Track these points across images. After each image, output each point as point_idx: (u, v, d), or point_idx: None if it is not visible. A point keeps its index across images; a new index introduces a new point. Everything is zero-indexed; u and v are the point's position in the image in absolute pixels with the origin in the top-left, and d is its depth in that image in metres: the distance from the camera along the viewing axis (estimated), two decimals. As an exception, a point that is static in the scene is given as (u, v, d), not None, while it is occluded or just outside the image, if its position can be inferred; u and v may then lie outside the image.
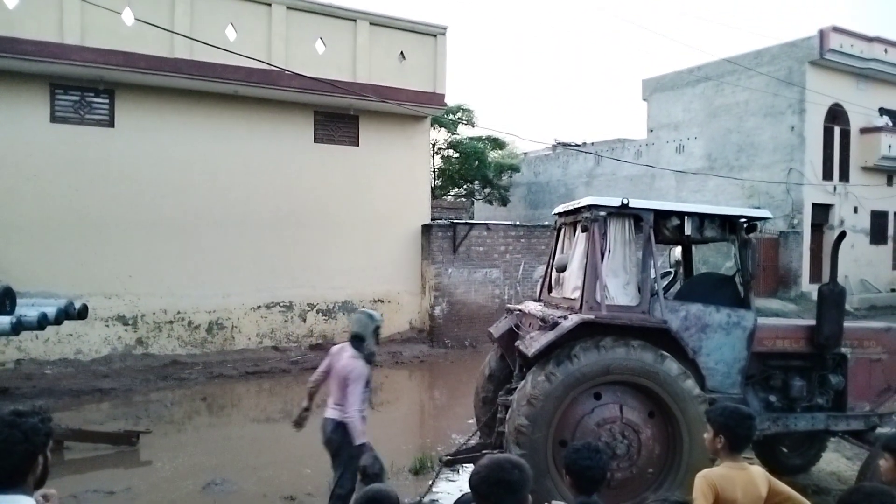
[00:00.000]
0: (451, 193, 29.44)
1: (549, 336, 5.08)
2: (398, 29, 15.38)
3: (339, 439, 5.22)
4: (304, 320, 14.89)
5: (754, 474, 3.35)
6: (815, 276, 22.96)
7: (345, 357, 5.38)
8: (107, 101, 12.95)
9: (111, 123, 12.98)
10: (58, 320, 8.55)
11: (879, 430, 5.88)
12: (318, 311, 15.04)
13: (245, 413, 10.87)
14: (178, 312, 13.50)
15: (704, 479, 3.27)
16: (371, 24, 14.93)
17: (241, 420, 10.42)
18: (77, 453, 7.96)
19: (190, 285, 13.56)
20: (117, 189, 12.91)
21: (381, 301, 15.80)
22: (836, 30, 22.94)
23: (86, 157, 12.66)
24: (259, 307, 14.36)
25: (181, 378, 12.13)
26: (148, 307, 13.21)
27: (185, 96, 13.51)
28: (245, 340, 14.18)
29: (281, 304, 14.61)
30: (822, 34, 22.76)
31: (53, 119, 12.50)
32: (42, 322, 8.70)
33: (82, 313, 8.94)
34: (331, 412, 5.32)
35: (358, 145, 15.58)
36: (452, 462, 6.34)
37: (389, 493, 2.93)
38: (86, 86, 12.67)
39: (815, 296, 5.91)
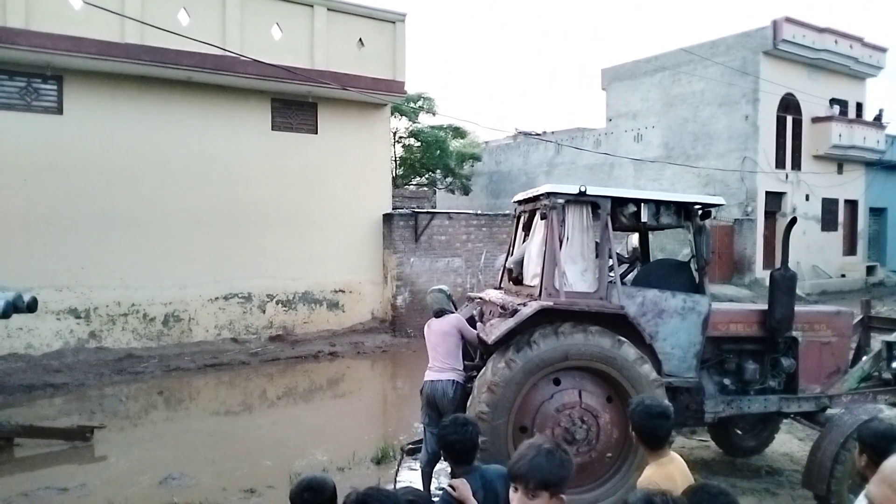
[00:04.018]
0: (413, 182, 29.31)
1: (509, 323, 5.10)
2: (356, 15, 15.19)
3: (459, 399, 5.64)
4: (264, 311, 14.70)
5: (674, 471, 3.21)
6: (769, 262, 23.53)
7: (441, 324, 5.91)
8: (55, 87, 12.52)
9: (59, 110, 12.57)
10: (5, 314, 8.24)
11: (829, 411, 6.05)
12: (277, 302, 14.86)
13: (203, 406, 10.69)
14: (133, 305, 13.19)
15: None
16: (329, 9, 14.72)
17: (199, 413, 10.25)
18: (28, 450, 7.76)
19: (144, 277, 13.24)
20: (67, 178, 12.51)
21: (343, 291, 15.69)
22: (789, 20, 23.43)
23: (33, 145, 12.24)
24: (217, 298, 14.12)
25: (136, 372, 11.88)
26: (101, 299, 12.87)
27: (137, 82, 13.14)
28: (203, 332, 13.93)
29: (239, 296, 14.38)
30: (776, 24, 23.24)
31: (-2, 106, 12.07)
32: (-12, 316, 8.37)
33: (32, 306, 8.62)
34: (446, 374, 5.77)
35: (317, 133, 15.38)
36: (413, 451, 6.34)
37: (326, 481, 2.90)
38: (32, 71, 12.22)
39: (768, 281, 6.04)
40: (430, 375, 5.85)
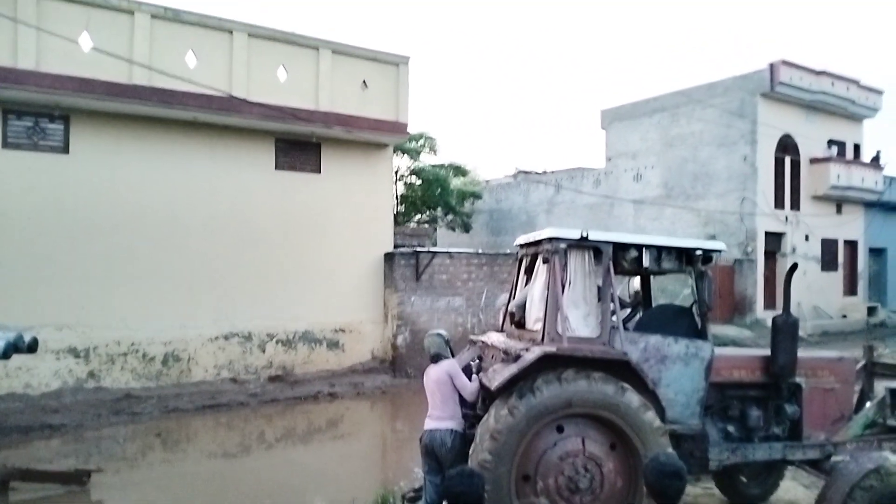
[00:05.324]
0: (414, 220, 29.47)
1: (512, 369, 5.08)
2: (361, 58, 15.44)
3: (458, 447, 5.59)
4: (264, 351, 14.62)
5: None
6: (770, 302, 23.49)
7: (436, 371, 5.86)
8: (62, 126, 12.67)
9: (66, 150, 12.69)
10: (6, 355, 8.21)
11: (834, 459, 5.99)
12: (277, 342, 14.79)
13: (201, 448, 10.59)
14: (133, 344, 13.13)
15: None
16: (333, 52, 14.96)
17: (197, 456, 10.14)
18: (24, 494, 7.66)
19: (145, 316, 13.21)
20: (71, 217, 12.58)
21: (343, 330, 15.64)
22: (786, 63, 23.79)
23: (39, 184, 12.34)
24: (217, 338, 14.06)
25: (135, 413, 11.77)
26: (101, 339, 12.82)
27: (144, 123, 13.30)
28: (202, 372, 13.84)
29: (240, 335, 14.33)
30: (773, 67, 23.58)
31: (6, 145, 12.17)
32: (-12, 357, 8.33)
33: (32, 347, 8.58)
34: (444, 423, 5.71)
35: (320, 173, 15.51)
36: (415, 499, 6.26)
37: None
38: (40, 111, 12.39)
39: (769, 322, 6.03)
40: (428, 424, 5.79)
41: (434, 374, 5.85)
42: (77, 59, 11.96)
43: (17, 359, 10.76)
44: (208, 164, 14.05)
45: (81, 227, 12.67)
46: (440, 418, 5.72)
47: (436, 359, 5.95)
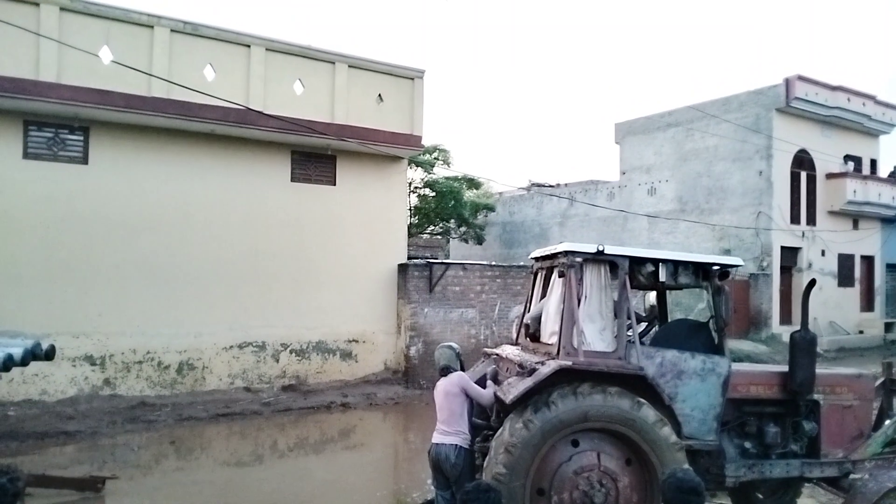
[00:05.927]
0: (427, 231, 29.53)
1: (527, 383, 5.07)
2: (376, 72, 15.56)
3: (462, 464, 5.59)
4: (277, 360, 14.68)
5: None
6: (786, 317, 23.30)
7: (444, 383, 5.84)
8: (81, 137, 12.85)
9: (85, 160, 12.87)
10: (24, 362, 8.32)
11: (852, 477, 5.92)
12: (291, 352, 14.85)
13: (215, 457, 10.62)
14: (148, 352, 13.23)
15: None
16: (350, 66, 15.10)
17: (210, 464, 10.17)
18: (39, 500, 7.69)
19: (161, 324, 13.32)
20: (89, 226, 12.73)
21: (356, 341, 15.67)
22: (802, 78, 23.71)
23: (58, 194, 12.50)
24: (231, 347, 14.14)
25: (149, 420, 11.84)
26: (117, 347, 12.93)
27: (161, 134, 13.46)
28: (216, 381, 13.91)
29: (254, 344, 14.40)
30: (788, 82, 23.51)
31: (26, 156, 12.36)
32: (7, 364, 8.39)
33: (49, 354, 8.66)
34: (449, 438, 5.68)
35: (335, 185, 15.61)
36: (428, 510, 6.25)
37: None
38: (60, 122, 12.58)
39: (785, 337, 6.02)
40: (435, 438, 5.79)
41: (443, 387, 5.84)
42: (97, 72, 12.13)
43: (33, 366, 10.85)
44: (225, 175, 14.19)
45: (99, 237, 12.81)
46: (445, 433, 5.70)
47: (445, 371, 5.93)
